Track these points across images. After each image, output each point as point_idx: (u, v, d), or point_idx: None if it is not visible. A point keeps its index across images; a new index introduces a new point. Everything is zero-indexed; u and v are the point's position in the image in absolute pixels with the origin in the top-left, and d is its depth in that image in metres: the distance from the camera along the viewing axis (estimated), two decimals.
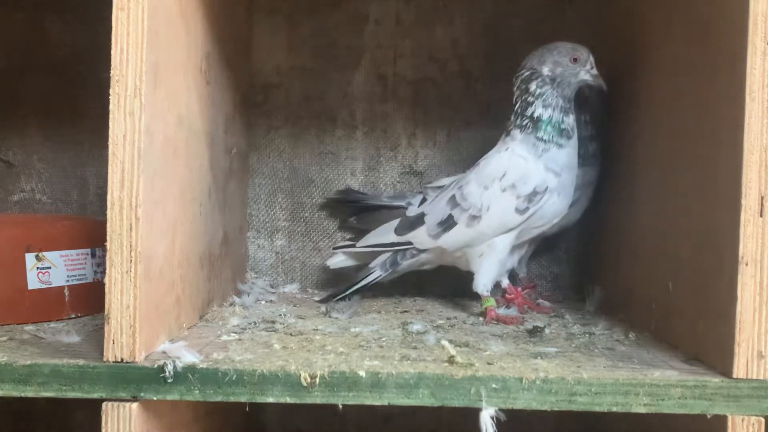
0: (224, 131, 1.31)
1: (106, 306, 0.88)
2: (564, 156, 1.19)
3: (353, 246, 1.41)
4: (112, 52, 0.88)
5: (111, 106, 0.87)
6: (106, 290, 0.88)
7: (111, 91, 0.88)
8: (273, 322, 1.15)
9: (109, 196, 0.88)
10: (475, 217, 1.21)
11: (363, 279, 1.36)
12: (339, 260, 1.45)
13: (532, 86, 1.20)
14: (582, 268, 1.53)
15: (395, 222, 1.35)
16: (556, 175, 1.19)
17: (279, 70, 1.56)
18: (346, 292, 1.37)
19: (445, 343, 0.91)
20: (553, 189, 1.19)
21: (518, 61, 1.38)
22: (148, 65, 0.89)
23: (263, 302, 1.37)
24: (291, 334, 1.06)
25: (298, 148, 1.57)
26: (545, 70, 1.20)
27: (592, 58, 1.22)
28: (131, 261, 0.88)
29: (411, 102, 1.56)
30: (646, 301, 1.14)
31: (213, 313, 1.21)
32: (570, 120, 1.20)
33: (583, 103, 1.34)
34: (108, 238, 0.88)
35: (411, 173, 1.56)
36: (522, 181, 1.19)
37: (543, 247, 1.50)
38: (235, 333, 1.06)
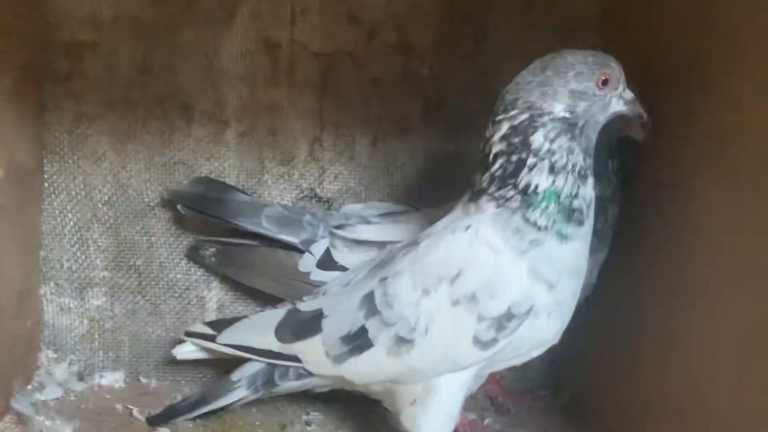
0: None
1: None
2: (569, 254, 0.71)
3: (213, 339, 0.86)
4: None
5: None
6: None
7: None
8: None
9: None
10: (404, 341, 0.73)
11: (220, 398, 0.86)
12: (188, 350, 0.90)
13: (537, 139, 0.70)
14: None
15: (279, 312, 0.83)
16: (549, 287, 0.71)
17: (96, 22, 0.94)
18: (192, 414, 0.87)
19: None
20: (542, 308, 0.71)
21: (491, 34, 0.96)
22: None
23: (53, 414, 0.87)
24: None
25: (127, 153, 0.97)
26: (558, 110, 0.70)
27: (622, 73, 0.73)
28: None
29: (317, 88, 0.98)
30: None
31: None
32: (587, 192, 0.71)
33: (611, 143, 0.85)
34: None
35: (313, 199, 0.99)
36: (488, 292, 0.70)
37: None
38: None
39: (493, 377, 1.02)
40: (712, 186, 0.71)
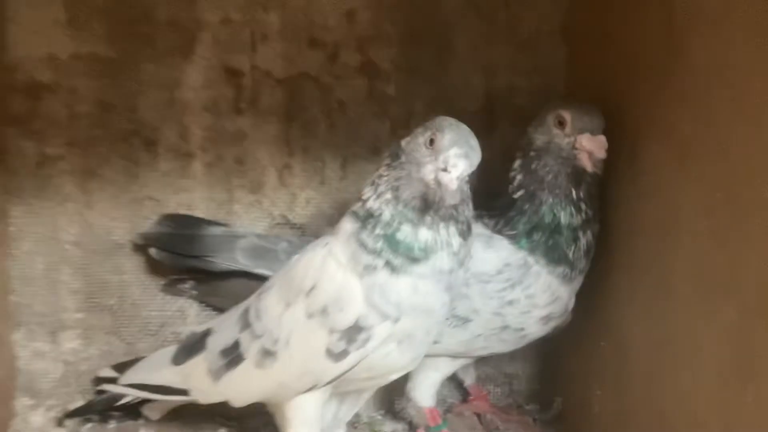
0: None
1: None
2: (406, 290, 0.70)
3: (115, 381, 0.88)
4: None
5: None
6: None
7: None
8: None
9: None
10: (269, 353, 0.75)
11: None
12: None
13: (386, 161, 0.74)
14: (541, 369, 1.06)
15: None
16: (383, 318, 0.71)
17: (54, 62, 0.93)
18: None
19: None
20: (387, 336, 0.72)
21: (454, 50, 0.98)
22: None
23: None
24: None
25: (93, 192, 0.95)
26: (403, 142, 0.74)
27: (458, 154, 0.69)
28: None
29: (283, 114, 0.97)
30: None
31: None
32: (421, 233, 0.70)
33: (582, 173, 0.84)
34: None
35: (285, 226, 0.98)
36: (337, 306, 0.71)
37: None
38: None
39: (480, 393, 1.01)
40: (686, 197, 0.70)
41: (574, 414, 0.96)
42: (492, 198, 0.86)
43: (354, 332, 0.70)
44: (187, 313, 0.98)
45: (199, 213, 0.96)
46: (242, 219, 0.97)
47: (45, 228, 0.95)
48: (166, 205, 0.96)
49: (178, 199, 0.96)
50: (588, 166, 0.82)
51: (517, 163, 0.87)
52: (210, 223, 0.94)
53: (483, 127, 0.86)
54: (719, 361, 0.63)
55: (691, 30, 0.69)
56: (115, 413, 0.94)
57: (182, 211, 0.96)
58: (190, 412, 0.91)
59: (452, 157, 0.67)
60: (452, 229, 0.70)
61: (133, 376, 0.87)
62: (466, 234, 0.72)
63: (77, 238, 0.95)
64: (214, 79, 0.95)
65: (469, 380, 1.00)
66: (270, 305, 0.75)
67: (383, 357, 0.73)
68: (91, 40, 0.92)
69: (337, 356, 0.71)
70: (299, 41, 0.95)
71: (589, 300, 0.87)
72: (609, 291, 0.85)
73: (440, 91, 0.97)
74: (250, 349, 0.75)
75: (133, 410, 0.93)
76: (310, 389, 0.74)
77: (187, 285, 0.96)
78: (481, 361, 0.99)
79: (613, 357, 0.84)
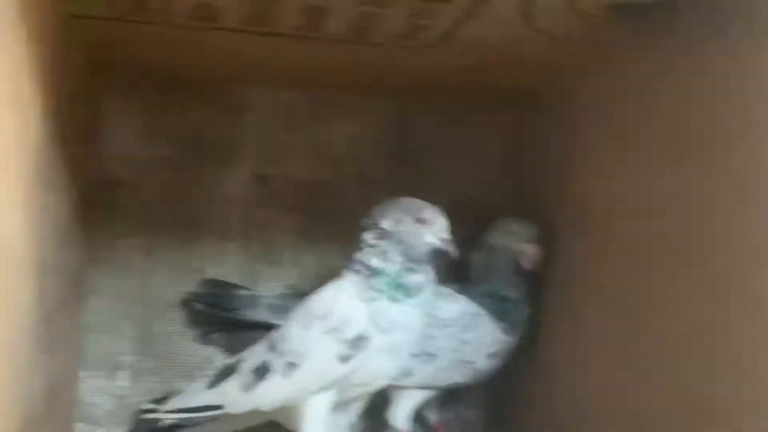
0: (58, 248, 0.97)
1: None
2: (397, 313, 1.01)
3: (156, 411, 1.11)
4: None
5: None
6: None
7: None
8: None
9: None
10: (292, 365, 1.01)
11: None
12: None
13: (369, 235, 1.04)
14: (497, 414, 1.31)
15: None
16: (382, 331, 1.00)
17: (132, 163, 1.24)
18: None
19: None
20: (379, 346, 1.00)
21: (428, 165, 1.31)
22: None
23: None
24: None
25: (153, 263, 1.24)
26: (385, 224, 1.03)
27: (443, 221, 1.03)
28: None
29: (298, 209, 1.29)
30: None
31: None
32: (416, 278, 1.02)
33: (522, 268, 1.17)
34: None
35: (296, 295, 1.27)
36: (346, 324, 1.01)
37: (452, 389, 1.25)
38: None
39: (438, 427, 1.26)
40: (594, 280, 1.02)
41: None
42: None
43: (357, 341, 0.98)
44: (214, 360, 1.24)
45: (232, 280, 1.25)
46: (263, 287, 1.27)
47: (115, 289, 1.22)
48: (207, 274, 1.25)
49: (216, 271, 1.25)
50: (527, 264, 1.15)
51: (474, 256, 1.19)
52: (239, 287, 1.23)
53: None
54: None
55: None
56: None
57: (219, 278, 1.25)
58: None
59: (444, 227, 1.01)
60: (431, 272, 1.03)
61: (174, 403, 1.10)
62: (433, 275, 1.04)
63: (138, 298, 1.23)
64: (248, 181, 1.28)
65: (433, 419, 1.25)
66: (292, 330, 1.03)
67: (378, 363, 1.00)
68: (157, 146, 1.24)
69: (344, 359, 0.98)
70: (310, 156, 1.29)
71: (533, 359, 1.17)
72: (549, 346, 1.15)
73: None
74: (278, 365, 1.01)
75: None
76: (322, 389, 1.00)
77: (217, 336, 1.23)
78: (444, 407, 1.27)
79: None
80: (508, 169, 1.34)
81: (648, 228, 0.87)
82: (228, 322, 1.22)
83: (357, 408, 1.11)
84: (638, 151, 0.91)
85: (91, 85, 1.14)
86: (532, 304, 1.17)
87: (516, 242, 1.15)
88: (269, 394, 1.03)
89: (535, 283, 1.17)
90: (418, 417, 1.25)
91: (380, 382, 1.05)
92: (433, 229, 1.02)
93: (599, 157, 1.02)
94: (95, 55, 1.09)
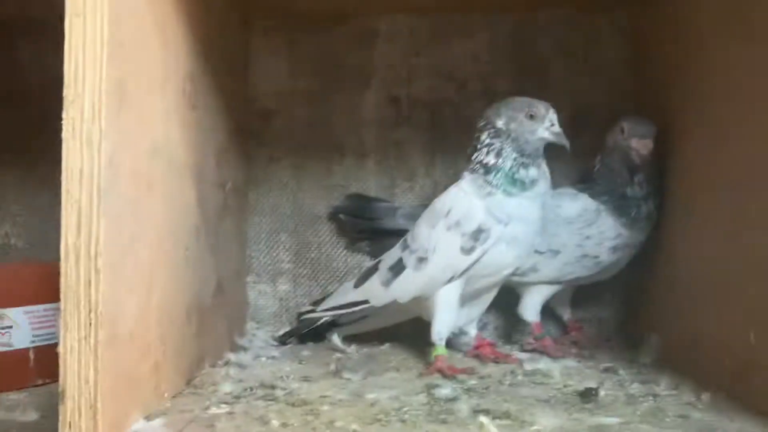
0: (216, 163, 1.14)
1: (61, 381, 0.71)
2: (514, 206, 1.09)
3: (313, 311, 1.28)
4: (65, 67, 0.72)
5: (64, 134, 0.71)
6: (60, 361, 0.71)
7: (64, 115, 0.71)
8: (273, 387, 0.97)
9: (62, 244, 0.71)
10: (422, 260, 1.13)
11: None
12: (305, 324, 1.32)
13: (484, 136, 1.11)
14: (631, 312, 1.35)
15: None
16: (498, 222, 1.09)
17: (279, 95, 1.40)
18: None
19: (484, 420, 0.73)
20: (499, 237, 1.09)
21: (551, 76, 1.37)
22: (110, 83, 0.72)
23: (263, 359, 1.19)
24: (293, 405, 0.88)
25: (302, 181, 1.41)
26: (499, 123, 1.11)
27: (553, 115, 1.10)
28: (90, 324, 0.70)
29: (428, 127, 1.39)
30: (717, 353, 0.95)
31: (203, 377, 1.03)
32: (530, 173, 1.09)
33: (635, 164, 1.19)
34: (62, 295, 0.71)
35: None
36: (466, 218, 1.10)
37: (585, 289, 1.31)
38: (226, 404, 0.89)
39: (576, 326, 1.32)
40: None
41: (676, 354, 1.08)
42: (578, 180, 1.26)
43: (478, 233, 1.08)
44: (363, 265, 1.38)
45: (371, 194, 1.39)
46: (400, 200, 1.39)
47: (269, 206, 1.40)
48: (349, 189, 1.39)
49: (357, 186, 1.40)
50: (636, 159, 1.19)
51: (597, 158, 1.25)
52: (379, 200, 1.37)
53: (569, 135, 1.13)
54: None
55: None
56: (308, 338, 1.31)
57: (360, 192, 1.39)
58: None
59: (555, 120, 1.08)
60: (544, 165, 1.10)
61: (327, 303, 1.27)
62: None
63: (291, 212, 1.40)
64: (382, 103, 1.40)
65: (566, 316, 1.34)
66: (421, 230, 1.15)
67: (498, 254, 1.09)
68: (303, 80, 1.40)
69: (468, 251, 1.08)
70: (440, 77, 1.39)
71: (683, 236, 1.15)
72: (705, 222, 1.10)
73: None
74: (410, 260, 1.14)
75: (319, 337, 1.30)
76: (450, 280, 1.12)
77: (363, 244, 1.38)
78: (576, 305, 1.34)
79: (721, 290, 1.03)
80: (628, 72, 1.36)
81: (762, 117, 0.88)
82: (370, 231, 1.37)
83: (486, 301, 1.21)
84: (754, 41, 0.91)
85: (237, 23, 1.31)
86: (654, 202, 1.20)
87: (627, 139, 1.19)
88: (404, 287, 1.16)
89: (659, 181, 1.20)
90: (553, 316, 1.34)
91: (504, 272, 1.14)
92: (545, 124, 1.09)
93: (716, 49, 1.03)
94: None
